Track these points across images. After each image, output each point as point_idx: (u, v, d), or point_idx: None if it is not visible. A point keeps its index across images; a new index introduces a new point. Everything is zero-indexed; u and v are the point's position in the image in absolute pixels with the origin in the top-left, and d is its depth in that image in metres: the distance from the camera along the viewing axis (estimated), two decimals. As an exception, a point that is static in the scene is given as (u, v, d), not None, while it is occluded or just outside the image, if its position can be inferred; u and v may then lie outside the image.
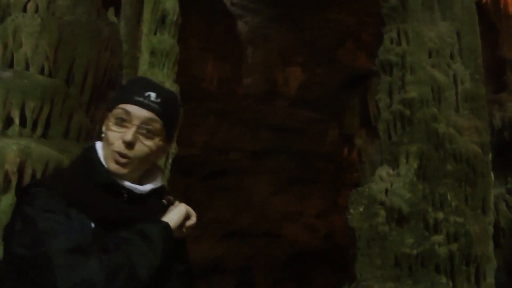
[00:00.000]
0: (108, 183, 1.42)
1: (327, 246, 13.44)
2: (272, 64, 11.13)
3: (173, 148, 7.09)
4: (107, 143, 1.44)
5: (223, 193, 11.33)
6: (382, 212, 7.16)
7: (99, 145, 1.48)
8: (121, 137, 1.42)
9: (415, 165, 7.12)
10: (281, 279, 13.27)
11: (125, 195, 1.43)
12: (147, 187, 1.47)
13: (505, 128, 8.53)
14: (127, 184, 1.43)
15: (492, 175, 7.35)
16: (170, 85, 7.50)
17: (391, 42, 7.67)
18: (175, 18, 7.53)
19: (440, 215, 6.83)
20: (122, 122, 1.43)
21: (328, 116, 11.72)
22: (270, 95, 11.19)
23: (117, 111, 1.44)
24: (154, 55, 7.30)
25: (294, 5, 10.41)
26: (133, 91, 1.45)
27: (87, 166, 1.45)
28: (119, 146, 1.42)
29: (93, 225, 1.36)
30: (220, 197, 11.58)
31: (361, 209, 7.37)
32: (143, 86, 1.47)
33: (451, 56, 7.50)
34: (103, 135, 1.47)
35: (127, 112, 1.43)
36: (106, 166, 1.44)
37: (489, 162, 7.28)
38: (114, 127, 1.43)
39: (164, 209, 1.48)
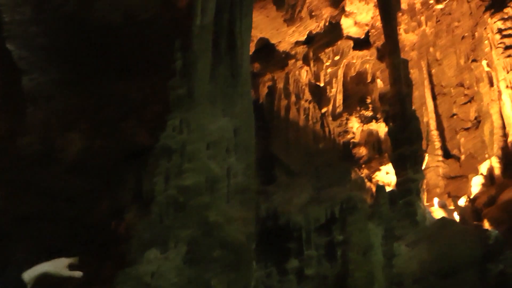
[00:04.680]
0: None
1: (84, 319, 12.90)
2: (52, 127, 10.75)
3: None
4: None
5: (-24, 258, 10.32)
6: (146, 295, 7.25)
7: None
8: None
9: (184, 250, 7.41)
10: None
11: None
12: None
13: (269, 217, 9.36)
14: None
15: (254, 262, 7.97)
16: None
17: (173, 130, 8.04)
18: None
19: (202, 300, 7.15)
20: None
21: (102, 187, 11.57)
22: (46, 159, 10.74)
23: None
24: None
25: (83, 72, 10.31)
26: None
27: None
28: None
29: None
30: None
31: (127, 291, 7.37)
32: None
33: (227, 151, 8.10)
34: None
35: None
36: None
37: (252, 250, 7.88)
38: None
39: None
